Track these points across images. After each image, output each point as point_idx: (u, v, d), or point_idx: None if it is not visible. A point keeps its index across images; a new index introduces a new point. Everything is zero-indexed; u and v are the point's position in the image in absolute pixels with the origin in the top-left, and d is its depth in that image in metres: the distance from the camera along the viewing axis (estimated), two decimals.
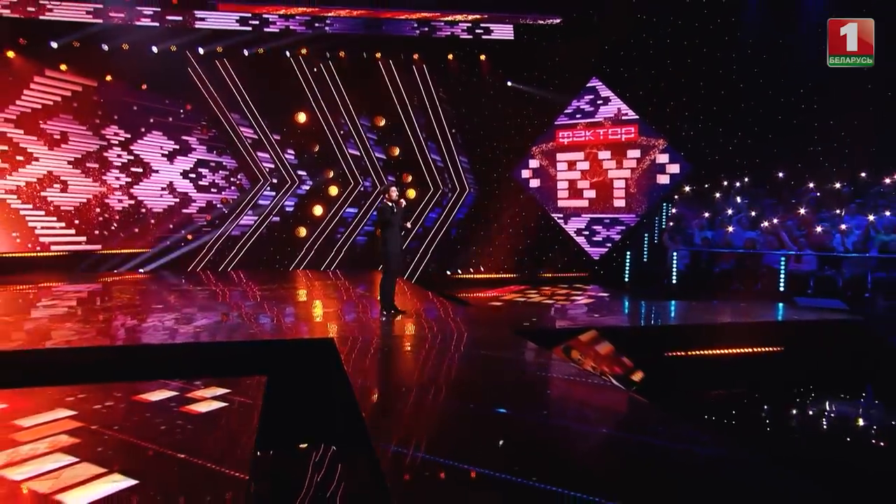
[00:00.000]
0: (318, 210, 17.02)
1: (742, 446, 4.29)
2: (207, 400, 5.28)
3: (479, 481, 3.39)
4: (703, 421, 5.73)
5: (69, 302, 10.47)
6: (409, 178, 17.08)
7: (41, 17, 13.70)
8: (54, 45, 14.22)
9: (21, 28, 13.80)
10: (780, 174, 13.15)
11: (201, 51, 15.46)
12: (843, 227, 10.89)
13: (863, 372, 7.72)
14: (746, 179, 13.65)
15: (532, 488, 3.21)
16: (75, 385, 5.61)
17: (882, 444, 5.85)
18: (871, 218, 10.64)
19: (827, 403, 6.98)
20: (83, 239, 15.33)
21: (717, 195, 13.80)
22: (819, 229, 11.21)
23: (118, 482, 3.62)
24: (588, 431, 4.38)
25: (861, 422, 6.74)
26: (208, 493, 3.59)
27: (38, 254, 14.66)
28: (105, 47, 14.56)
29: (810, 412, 6.72)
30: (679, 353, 8.45)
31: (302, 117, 16.75)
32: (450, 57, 16.35)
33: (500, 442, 4.01)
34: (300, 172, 16.89)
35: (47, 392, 5.42)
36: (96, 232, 15.51)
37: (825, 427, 6.40)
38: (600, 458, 3.90)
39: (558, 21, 15.05)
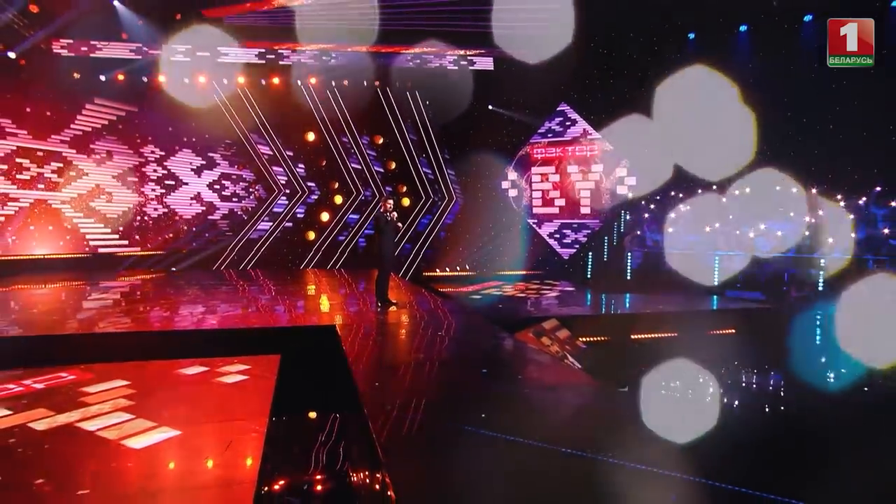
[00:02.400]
0: (324, 216, 17.48)
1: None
2: (232, 374, 5.83)
3: (449, 435, 3.74)
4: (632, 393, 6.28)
5: (115, 295, 10.87)
6: (404, 189, 17.56)
7: (92, 55, 14.35)
8: (102, 77, 14.75)
9: (75, 64, 14.36)
10: (718, 186, 13.69)
11: (226, 80, 15.97)
12: (766, 231, 11.49)
13: (772, 350, 8.26)
14: (691, 191, 14.18)
15: (490, 437, 3.63)
16: (126, 362, 6.14)
17: (767, 408, 6.44)
18: (788, 224, 11.24)
19: (741, 376, 7.55)
20: (125, 242, 15.82)
21: (666, 204, 14.35)
22: (747, 233, 11.80)
23: (166, 432, 4.23)
24: (539, 396, 4.82)
25: (767, 392, 7.29)
26: (234, 442, 4.17)
27: (88, 255, 15.13)
28: (144, 79, 15.11)
29: (724, 384, 7.27)
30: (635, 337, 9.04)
31: (311, 136, 17.24)
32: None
33: (468, 405, 4.37)
34: (309, 184, 17.39)
35: (104, 367, 5.95)
36: (136, 236, 16.01)
37: (738, 397, 6.96)
38: (549, 416, 4.33)
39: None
